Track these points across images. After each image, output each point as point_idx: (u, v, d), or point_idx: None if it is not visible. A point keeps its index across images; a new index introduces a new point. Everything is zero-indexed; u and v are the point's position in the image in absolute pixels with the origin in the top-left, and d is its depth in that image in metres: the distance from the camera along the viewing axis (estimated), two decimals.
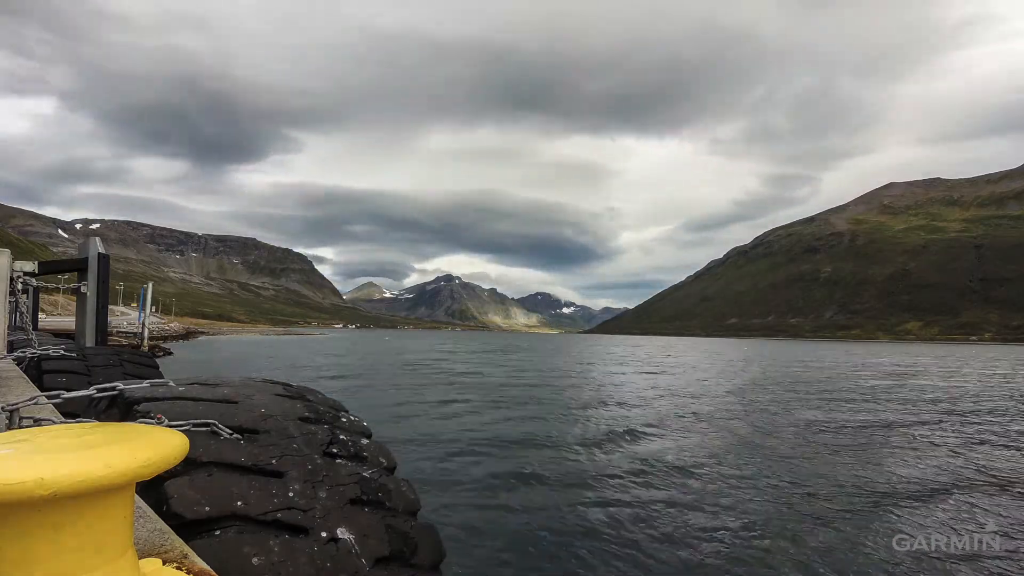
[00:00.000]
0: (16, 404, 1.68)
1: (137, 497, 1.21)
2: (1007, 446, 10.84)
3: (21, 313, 6.29)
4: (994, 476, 8.45)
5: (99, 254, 7.35)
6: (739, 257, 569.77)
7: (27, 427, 1.67)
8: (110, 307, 8.43)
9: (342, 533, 1.74)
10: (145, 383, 2.09)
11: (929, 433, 12.24)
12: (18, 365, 4.66)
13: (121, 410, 2.07)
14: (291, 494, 1.77)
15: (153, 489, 1.60)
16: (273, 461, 1.87)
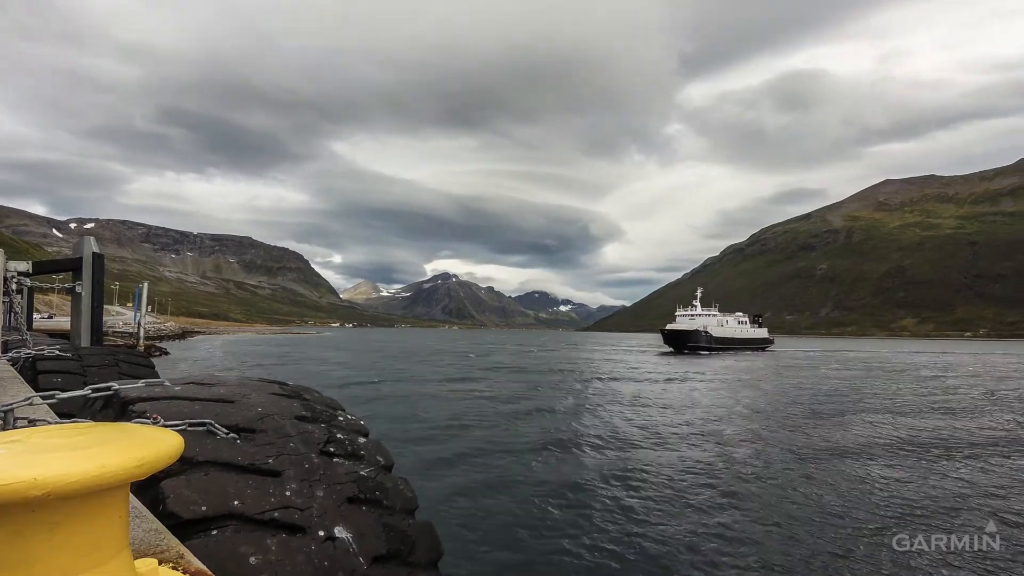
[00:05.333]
0: (11, 404, 1.67)
1: (133, 497, 1.20)
2: None
3: (15, 313, 6.26)
4: None
5: (94, 254, 7.32)
6: (735, 255, 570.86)
7: (22, 427, 1.67)
8: (105, 307, 8.39)
9: (339, 532, 1.74)
10: (140, 383, 2.08)
11: None
12: (13, 365, 4.63)
13: (116, 410, 2.07)
14: (288, 493, 1.77)
15: (149, 489, 1.60)
16: (270, 460, 1.86)
